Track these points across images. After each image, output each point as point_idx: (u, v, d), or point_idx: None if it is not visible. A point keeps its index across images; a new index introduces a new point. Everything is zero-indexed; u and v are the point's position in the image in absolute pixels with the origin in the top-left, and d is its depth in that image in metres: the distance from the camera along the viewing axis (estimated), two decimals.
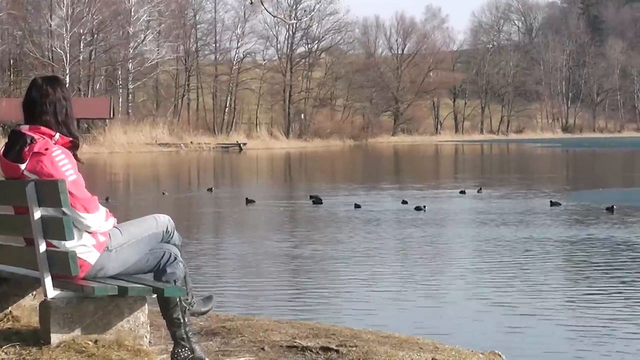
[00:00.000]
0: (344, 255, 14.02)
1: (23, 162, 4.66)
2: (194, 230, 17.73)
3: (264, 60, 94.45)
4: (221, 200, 24.95)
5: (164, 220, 5.00)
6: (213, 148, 71.72)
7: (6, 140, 4.76)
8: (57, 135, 4.72)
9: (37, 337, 4.73)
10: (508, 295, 10.63)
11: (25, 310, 5.38)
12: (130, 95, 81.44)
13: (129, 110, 77.85)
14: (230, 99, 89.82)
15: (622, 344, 8.30)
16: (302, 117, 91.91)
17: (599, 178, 35.19)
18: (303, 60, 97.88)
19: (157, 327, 5.59)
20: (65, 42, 70.80)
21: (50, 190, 4.51)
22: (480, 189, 26.86)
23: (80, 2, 72.63)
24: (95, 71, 79.07)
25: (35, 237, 4.62)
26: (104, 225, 4.71)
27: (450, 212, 20.85)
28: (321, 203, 22.58)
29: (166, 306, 4.81)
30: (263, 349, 5.53)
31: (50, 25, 72.68)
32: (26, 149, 4.65)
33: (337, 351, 5.43)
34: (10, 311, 5.33)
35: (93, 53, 77.10)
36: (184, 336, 4.83)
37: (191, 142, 71.63)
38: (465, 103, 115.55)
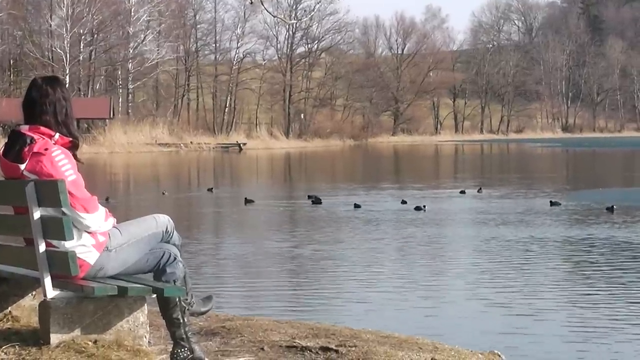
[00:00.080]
0: (343, 255, 14.01)
1: (23, 162, 4.65)
2: (194, 230, 17.72)
3: (264, 60, 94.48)
4: (221, 200, 24.94)
5: (163, 220, 4.99)
6: (213, 148, 71.69)
7: (6, 140, 4.76)
8: (57, 135, 4.72)
9: (36, 337, 4.73)
10: (508, 295, 10.62)
11: (24, 310, 5.37)
12: (130, 95, 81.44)
13: (129, 110, 77.83)
14: (230, 99, 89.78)
15: (622, 344, 8.29)
16: (302, 117, 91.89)
17: (599, 178, 35.18)
18: (303, 60, 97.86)
19: (156, 327, 5.58)
20: (65, 42, 70.77)
21: (49, 190, 4.51)
22: (480, 188, 26.85)
23: (80, 2, 72.60)
24: (95, 71, 79.03)
25: (35, 237, 4.61)
26: (103, 225, 4.71)
27: (450, 212, 20.85)
28: (320, 203, 22.57)
29: (166, 306, 4.80)
30: (263, 349, 5.52)
31: (50, 25, 72.66)
32: (26, 149, 4.65)
33: (336, 351, 5.43)
34: (9, 311, 5.32)
35: (93, 53, 77.07)
36: (184, 336, 4.82)
37: (191, 142, 71.60)
38: (465, 103, 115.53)
